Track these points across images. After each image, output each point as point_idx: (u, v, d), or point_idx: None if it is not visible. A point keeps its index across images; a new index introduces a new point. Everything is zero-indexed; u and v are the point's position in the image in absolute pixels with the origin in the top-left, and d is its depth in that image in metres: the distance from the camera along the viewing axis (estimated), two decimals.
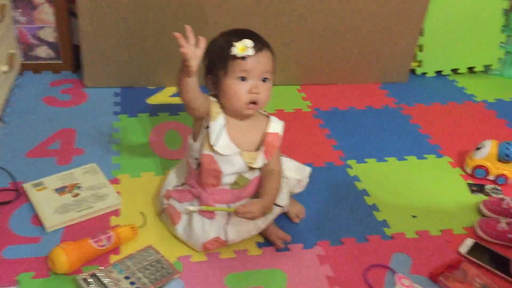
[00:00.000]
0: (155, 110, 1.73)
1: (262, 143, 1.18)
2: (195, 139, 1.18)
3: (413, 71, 2.13)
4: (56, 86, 1.81)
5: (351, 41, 1.92)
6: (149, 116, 1.70)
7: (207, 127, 1.14)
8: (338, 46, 1.92)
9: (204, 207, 1.15)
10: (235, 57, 1.08)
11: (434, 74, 2.14)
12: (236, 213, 1.08)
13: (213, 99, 1.16)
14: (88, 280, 1.06)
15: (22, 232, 1.20)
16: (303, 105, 1.86)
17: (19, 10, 1.75)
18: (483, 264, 1.21)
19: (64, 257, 1.08)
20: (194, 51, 1.01)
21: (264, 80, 1.12)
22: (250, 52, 1.07)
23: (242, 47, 1.07)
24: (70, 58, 1.86)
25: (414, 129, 1.77)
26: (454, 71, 2.16)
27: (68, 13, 1.79)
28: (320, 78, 1.99)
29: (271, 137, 1.18)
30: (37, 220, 1.23)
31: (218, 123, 1.14)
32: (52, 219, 1.22)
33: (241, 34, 1.10)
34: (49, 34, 1.81)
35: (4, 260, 1.12)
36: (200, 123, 1.16)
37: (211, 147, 1.13)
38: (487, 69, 2.17)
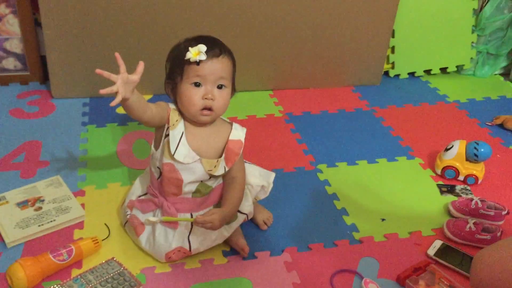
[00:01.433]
0: (124, 119, 1.71)
1: (224, 150, 1.16)
2: (156, 148, 1.17)
3: (386, 73, 2.14)
4: (23, 98, 1.79)
5: (322, 45, 1.92)
6: (117, 126, 1.68)
7: (167, 135, 1.13)
8: (310, 50, 1.92)
9: (165, 218, 1.14)
10: (189, 62, 1.07)
11: (407, 76, 2.15)
12: (196, 222, 1.06)
13: (172, 106, 1.14)
14: None
15: None
16: (275, 110, 1.85)
17: None
18: (451, 266, 1.21)
19: (22, 273, 1.06)
20: (124, 79, 0.98)
21: (220, 87, 1.10)
22: (203, 57, 1.06)
23: (196, 52, 1.06)
24: (38, 69, 1.84)
25: (386, 132, 1.77)
26: (427, 72, 2.17)
27: (35, 23, 1.76)
28: (292, 82, 1.98)
29: (233, 144, 1.16)
30: None
31: (178, 131, 1.12)
32: (12, 234, 1.20)
33: (200, 40, 1.09)
34: (15, 46, 1.79)
35: None
36: (161, 131, 1.15)
37: (171, 156, 1.12)
38: (459, 69, 2.19)
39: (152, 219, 1.13)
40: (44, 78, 1.86)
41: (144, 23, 1.70)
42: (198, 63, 1.06)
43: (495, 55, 2.15)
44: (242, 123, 1.23)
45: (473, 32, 2.10)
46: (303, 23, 1.85)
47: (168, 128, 1.13)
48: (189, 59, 1.05)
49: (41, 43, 1.80)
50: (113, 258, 1.16)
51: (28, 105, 1.75)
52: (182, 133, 1.13)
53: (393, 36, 2.03)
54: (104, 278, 1.10)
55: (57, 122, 1.67)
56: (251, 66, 1.88)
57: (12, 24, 1.75)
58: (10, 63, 1.82)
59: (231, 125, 1.19)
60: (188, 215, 1.17)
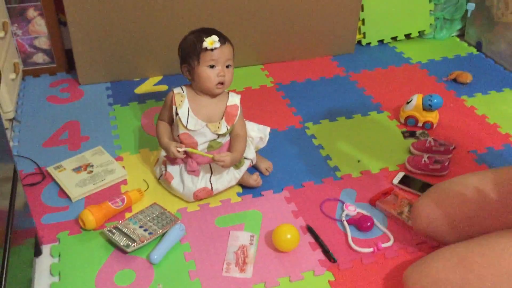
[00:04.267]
0: (143, 98, 2.05)
1: (224, 114, 1.51)
2: (162, 119, 1.54)
3: (359, 43, 2.48)
4: (55, 87, 2.12)
5: (303, 22, 2.25)
6: (138, 104, 2.02)
7: (177, 114, 1.48)
8: (293, 27, 2.25)
9: (190, 149, 1.47)
10: (206, 50, 1.41)
11: (377, 43, 2.49)
12: (214, 159, 1.43)
13: (176, 90, 1.50)
14: (113, 231, 1.40)
15: (53, 203, 1.53)
16: (267, 81, 2.20)
17: (16, 25, 2.04)
18: (410, 190, 1.59)
19: (91, 216, 1.42)
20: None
21: (228, 66, 1.46)
22: (217, 45, 1.41)
23: (211, 41, 1.41)
24: (63, 61, 2.16)
25: (360, 92, 2.13)
26: (394, 38, 2.51)
27: (58, 22, 2.08)
28: (279, 56, 2.32)
29: (230, 108, 1.51)
30: (63, 194, 1.56)
31: (184, 108, 1.48)
32: (75, 192, 1.55)
33: (207, 31, 1.44)
34: (43, 43, 2.11)
35: (44, 225, 1.46)
36: (171, 111, 1.50)
37: (184, 127, 1.47)
38: (421, 34, 2.53)
39: (181, 149, 1.46)
40: (69, 68, 2.18)
41: (153, 17, 2.02)
42: (212, 50, 1.40)
43: (450, 19, 2.50)
44: (239, 94, 1.57)
45: (430, 1, 2.44)
46: (287, 4, 2.17)
47: (176, 108, 1.48)
48: (205, 47, 1.40)
49: (65, 39, 2.12)
50: (154, 203, 1.52)
51: (60, 92, 2.08)
52: (188, 108, 1.48)
53: (362, 10, 2.36)
54: (151, 217, 1.46)
55: (88, 104, 2.01)
56: (244, 45, 2.21)
57: (40, 25, 2.06)
58: (40, 57, 2.14)
59: (228, 93, 1.54)
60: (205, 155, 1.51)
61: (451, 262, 1.13)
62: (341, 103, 2.05)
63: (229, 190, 1.58)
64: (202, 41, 1.41)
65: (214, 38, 1.40)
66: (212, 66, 1.43)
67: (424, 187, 1.58)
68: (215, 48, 1.41)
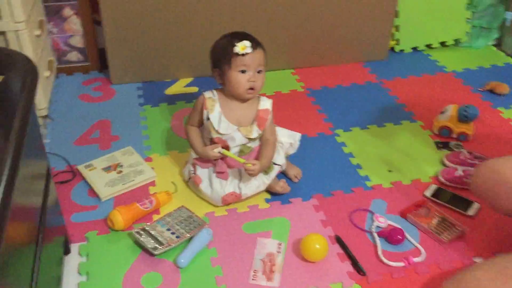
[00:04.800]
0: (173, 99, 2.06)
1: (256, 118, 1.50)
2: (192, 123, 1.53)
3: (392, 49, 2.44)
4: (88, 85, 2.14)
5: (336, 27, 2.22)
6: (168, 105, 2.03)
7: (208, 118, 1.47)
8: (326, 32, 2.23)
9: (224, 151, 1.46)
10: (237, 55, 1.40)
11: (411, 50, 2.44)
12: (245, 167, 1.42)
13: (207, 95, 1.49)
14: (141, 233, 1.40)
15: (83, 202, 1.55)
16: (297, 86, 2.18)
17: (52, 23, 2.07)
18: (443, 203, 1.54)
19: (120, 217, 1.42)
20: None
21: (259, 71, 1.44)
22: (249, 50, 1.40)
23: (243, 47, 1.39)
24: (96, 60, 2.19)
25: (392, 100, 2.09)
26: (428, 46, 2.46)
27: (93, 22, 2.10)
28: (311, 61, 2.30)
29: (262, 112, 1.50)
30: (92, 193, 1.57)
31: (216, 112, 1.47)
32: (105, 191, 1.56)
33: (239, 36, 1.43)
34: (78, 41, 2.13)
35: (73, 224, 1.47)
36: (202, 115, 1.50)
37: (216, 131, 1.47)
38: (457, 42, 2.47)
39: (217, 150, 1.46)
40: (102, 67, 2.21)
41: (186, 20, 2.02)
42: (243, 55, 1.39)
43: (487, 28, 2.44)
44: (270, 98, 1.56)
45: (467, 9, 2.39)
46: (318, 10, 2.15)
47: (207, 113, 1.47)
48: (237, 52, 1.39)
49: (99, 38, 2.14)
50: (182, 206, 1.52)
51: (93, 91, 2.10)
52: (220, 112, 1.47)
53: (397, 16, 2.32)
54: (179, 220, 1.46)
55: (119, 104, 2.02)
56: (275, 49, 2.20)
57: (75, 24, 2.09)
58: (74, 56, 2.17)
59: (259, 98, 1.53)
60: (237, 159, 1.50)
61: (491, 272, 1.12)
62: (372, 110, 2.02)
63: (257, 195, 1.56)
64: (234, 46, 1.40)
65: (246, 43, 1.39)
66: (243, 71, 1.42)
67: (458, 201, 1.54)
68: (247, 53, 1.40)
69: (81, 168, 1.65)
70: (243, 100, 1.49)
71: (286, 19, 2.14)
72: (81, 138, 1.83)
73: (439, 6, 2.35)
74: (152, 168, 1.67)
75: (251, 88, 1.44)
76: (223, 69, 1.45)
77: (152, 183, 1.63)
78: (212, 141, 1.50)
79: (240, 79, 1.43)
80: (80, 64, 2.19)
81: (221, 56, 1.44)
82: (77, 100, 2.04)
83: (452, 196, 1.56)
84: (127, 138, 1.83)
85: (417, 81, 2.23)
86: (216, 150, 1.46)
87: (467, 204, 1.54)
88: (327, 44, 2.27)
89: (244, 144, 1.50)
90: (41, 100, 1.82)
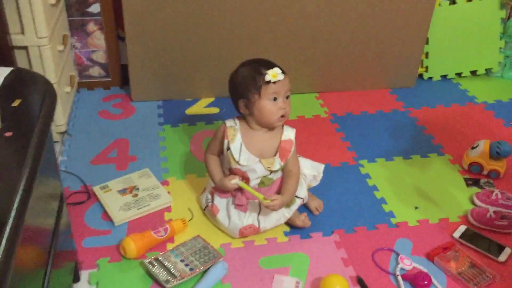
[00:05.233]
0: (193, 120, 2.01)
1: (278, 149, 1.44)
2: (212, 152, 1.48)
3: (420, 76, 2.36)
4: (108, 101, 2.11)
5: (363, 52, 2.16)
6: (188, 126, 1.98)
7: (228, 148, 1.41)
8: (352, 57, 2.17)
9: (242, 184, 1.40)
10: (268, 82, 1.34)
11: (440, 78, 2.36)
12: (263, 203, 1.36)
13: (229, 124, 1.43)
14: (153, 263, 1.34)
15: (96, 226, 1.50)
16: (321, 111, 2.12)
17: (75, 38, 2.05)
18: (473, 247, 1.46)
19: (133, 245, 1.37)
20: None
21: (287, 97, 1.39)
22: (281, 77, 1.34)
23: (274, 74, 1.34)
24: (118, 76, 2.16)
25: (419, 131, 2.01)
26: (458, 74, 2.38)
27: (117, 37, 2.08)
28: (335, 85, 2.24)
29: (285, 143, 1.44)
30: (106, 216, 1.52)
31: (237, 142, 1.41)
32: (119, 216, 1.51)
33: (265, 64, 1.37)
34: (100, 56, 2.11)
35: (84, 249, 1.42)
36: (222, 145, 1.44)
37: (236, 162, 1.41)
38: (488, 72, 2.39)
39: (236, 181, 1.40)
40: (123, 83, 2.18)
41: (209, 39, 1.98)
42: (275, 82, 1.34)
43: None
44: (292, 123, 1.51)
45: (501, 38, 2.30)
46: (345, 32, 2.09)
47: (228, 142, 1.41)
48: (268, 80, 1.33)
49: (121, 54, 2.11)
50: (198, 235, 1.46)
51: (112, 107, 2.07)
52: (241, 143, 1.41)
53: (427, 43, 2.25)
54: (193, 250, 1.40)
55: (139, 122, 1.98)
56: (299, 72, 2.14)
57: (99, 39, 2.06)
58: (95, 71, 2.14)
59: (283, 127, 1.47)
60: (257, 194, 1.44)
61: None
62: (398, 141, 1.94)
63: (276, 228, 1.50)
64: (263, 73, 1.34)
65: (277, 70, 1.34)
66: (274, 99, 1.37)
67: (489, 245, 1.45)
68: (278, 81, 1.34)
69: (96, 189, 1.61)
70: (268, 129, 1.43)
71: (311, 43, 2.09)
72: (98, 156, 1.79)
73: (471, 33, 2.27)
74: (169, 192, 1.62)
75: (282, 116, 1.39)
76: (251, 99, 1.38)
77: (168, 209, 1.57)
78: (232, 171, 1.44)
79: (271, 108, 1.37)
80: (101, 80, 2.17)
81: (249, 85, 1.37)
82: (96, 117, 2.01)
83: (482, 239, 1.48)
84: (145, 159, 1.78)
85: (446, 111, 2.15)
86: (234, 181, 1.40)
87: (498, 248, 1.45)
88: (353, 68, 2.20)
89: (265, 176, 1.44)
90: (60, 116, 1.79)
